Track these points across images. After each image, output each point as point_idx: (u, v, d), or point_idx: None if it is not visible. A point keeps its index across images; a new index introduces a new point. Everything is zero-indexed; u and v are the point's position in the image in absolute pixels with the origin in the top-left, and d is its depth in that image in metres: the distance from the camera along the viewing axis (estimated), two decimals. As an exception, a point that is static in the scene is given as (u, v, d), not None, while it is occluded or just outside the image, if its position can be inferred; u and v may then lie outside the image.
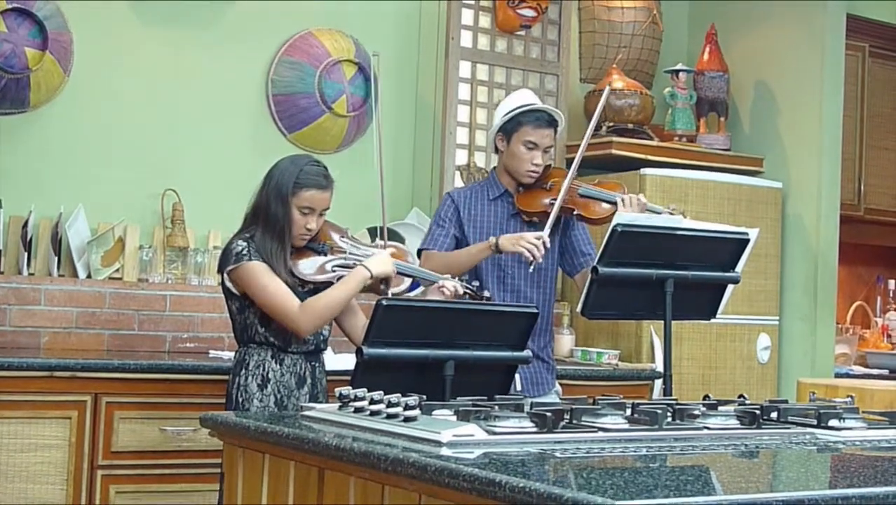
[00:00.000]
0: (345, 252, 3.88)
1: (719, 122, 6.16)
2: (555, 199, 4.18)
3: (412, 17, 5.72)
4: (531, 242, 4.02)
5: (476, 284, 3.98)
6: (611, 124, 5.87)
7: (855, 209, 6.47)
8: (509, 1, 5.60)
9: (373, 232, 5.12)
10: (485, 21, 5.68)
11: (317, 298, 3.75)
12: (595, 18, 6.15)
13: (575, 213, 4.21)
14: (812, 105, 5.96)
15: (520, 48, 5.78)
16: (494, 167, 4.40)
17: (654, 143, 5.91)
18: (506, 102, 4.35)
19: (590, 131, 4.33)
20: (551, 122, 4.24)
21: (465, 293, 3.90)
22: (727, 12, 6.34)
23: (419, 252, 4.28)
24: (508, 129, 4.22)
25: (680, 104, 6.09)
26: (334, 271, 3.84)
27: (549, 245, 4.08)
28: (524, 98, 4.33)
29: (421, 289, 4.20)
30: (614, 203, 4.15)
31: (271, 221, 3.77)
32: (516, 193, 4.28)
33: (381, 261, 3.81)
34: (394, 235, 5.00)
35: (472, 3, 5.63)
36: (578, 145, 5.80)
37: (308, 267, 3.82)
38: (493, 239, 4.09)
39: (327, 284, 3.84)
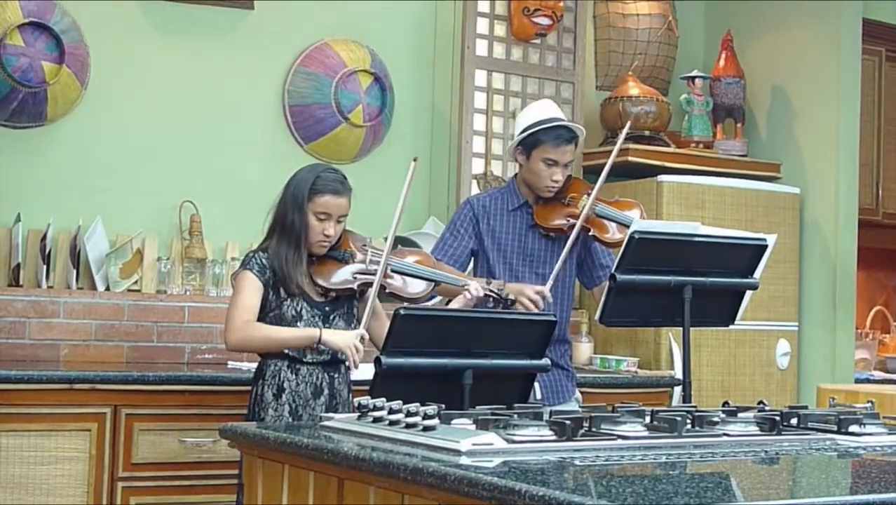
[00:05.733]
0: (366, 260, 3.89)
1: (736, 128, 6.15)
2: (572, 216, 4.14)
3: (427, 26, 5.72)
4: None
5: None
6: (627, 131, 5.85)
7: (873, 214, 6.45)
8: (524, 9, 5.59)
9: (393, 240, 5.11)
10: (500, 30, 5.67)
11: (262, 326, 3.76)
12: (610, 26, 6.15)
13: (590, 233, 4.17)
14: (829, 110, 5.94)
15: (535, 56, 5.78)
16: (515, 174, 4.33)
17: (671, 149, 5.90)
18: (525, 115, 4.23)
19: (612, 159, 4.28)
20: (571, 139, 4.14)
21: (486, 295, 3.89)
22: (743, 18, 6.33)
23: None
24: (528, 144, 4.13)
25: (696, 110, 6.08)
26: (356, 279, 3.86)
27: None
28: (544, 111, 4.20)
29: (438, 298, 4.19)
30: (629, 226, 4.08)
31: (288, 229, 3.80)
32: (535, 205, 4.22)
33: (339, 336, 3.74)
34: (409, 244, 4.99)
35: (488, 12, 5.64)
36: (594, 153, 5.79)
37: (330, 275, 3.84)
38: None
39: (349, 292, 3.85)
